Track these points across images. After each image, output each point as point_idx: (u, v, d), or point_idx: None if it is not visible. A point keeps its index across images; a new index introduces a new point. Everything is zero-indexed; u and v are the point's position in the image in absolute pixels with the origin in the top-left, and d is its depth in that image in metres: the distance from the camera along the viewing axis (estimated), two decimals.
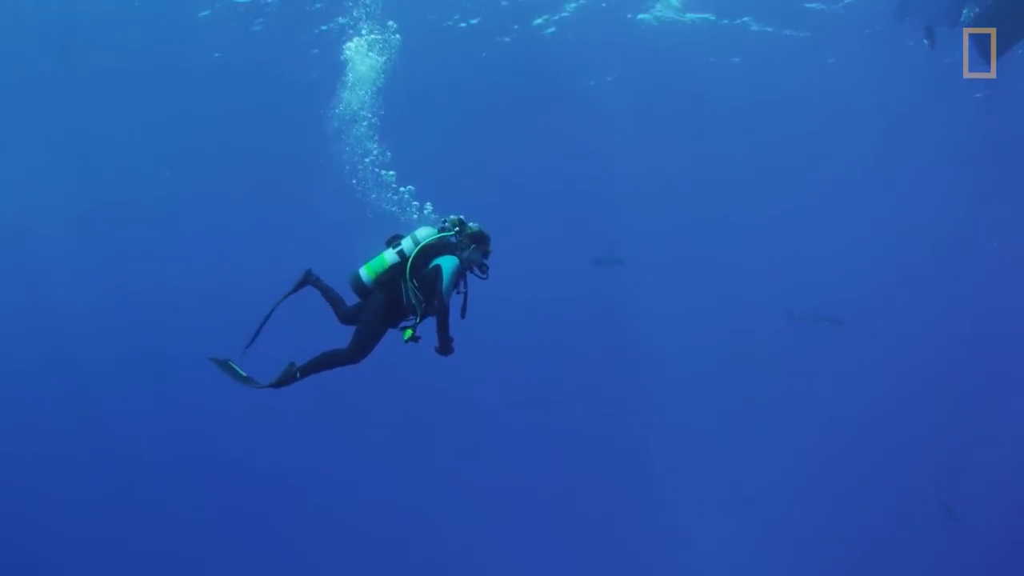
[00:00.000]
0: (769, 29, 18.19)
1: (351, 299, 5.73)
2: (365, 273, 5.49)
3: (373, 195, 6.59)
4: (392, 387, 20.88)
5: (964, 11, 14.30)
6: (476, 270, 5.59)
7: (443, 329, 5.32)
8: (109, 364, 24.25)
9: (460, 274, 5.47)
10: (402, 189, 6.44)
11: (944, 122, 20.49)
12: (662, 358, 26.55)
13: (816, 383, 25.36)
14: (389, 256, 5.48)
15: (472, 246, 5.56)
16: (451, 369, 6.16)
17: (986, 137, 20.77)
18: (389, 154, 6.80)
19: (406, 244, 5.49)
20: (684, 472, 22.84)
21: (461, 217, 5.69)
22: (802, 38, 18.24)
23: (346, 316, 5.71)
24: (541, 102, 21.23)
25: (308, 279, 5.88)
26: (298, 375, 5.30)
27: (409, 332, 5.32)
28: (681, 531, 20.92)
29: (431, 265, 5.36)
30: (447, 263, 5.35)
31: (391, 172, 6.53)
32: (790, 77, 19.85)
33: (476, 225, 5.65)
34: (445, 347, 5.37)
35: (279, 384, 5.35)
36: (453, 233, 5.60)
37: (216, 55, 18.42)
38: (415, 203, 6.34)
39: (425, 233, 5.54)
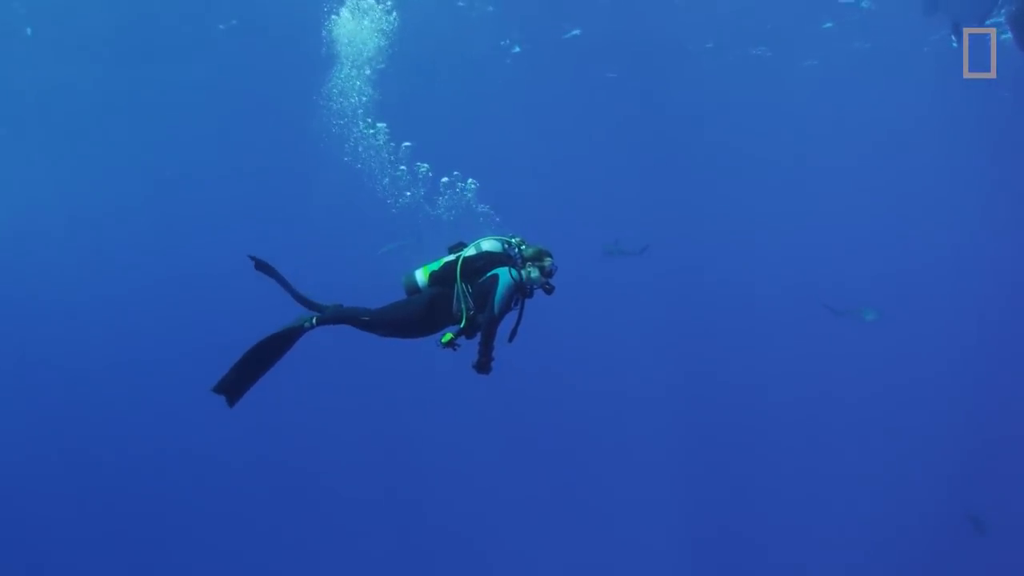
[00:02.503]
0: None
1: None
2: (420, 274, 5.42)
3: (361, 147, 6.37)
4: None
5: (1003, 11, 14.06)
6: (539, 288, 5.41)
7: (486, 345, 5.09)
8: (108, 364, 23.94)
9: (517, 290, 5.27)
10: (372, 129, 6.21)
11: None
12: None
13: (836, 386, 24.68)
14: (447, 258, 5.46)
15: (530, 265, 5.40)
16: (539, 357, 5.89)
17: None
18: (383, 126, 6.54)
19: (467, 250, 5.42)
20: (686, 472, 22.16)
21: (522, 238, 5.59)
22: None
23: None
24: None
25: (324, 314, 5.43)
26: (314, 321, 5.21)
27: (448, 336, 5.09)
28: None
29: (489, 274, 5.24)
30: (505, 274, 5.21)
31: (382, 125, 6.29)
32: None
33: (533, 247, 5.52)
34: (484, 364, 5.12)
35: (289, 333, 5.13)
36: (518, 249, 5.48)
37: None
38: (392, 144, 6.12)
39: (489, 244, 5.47)
